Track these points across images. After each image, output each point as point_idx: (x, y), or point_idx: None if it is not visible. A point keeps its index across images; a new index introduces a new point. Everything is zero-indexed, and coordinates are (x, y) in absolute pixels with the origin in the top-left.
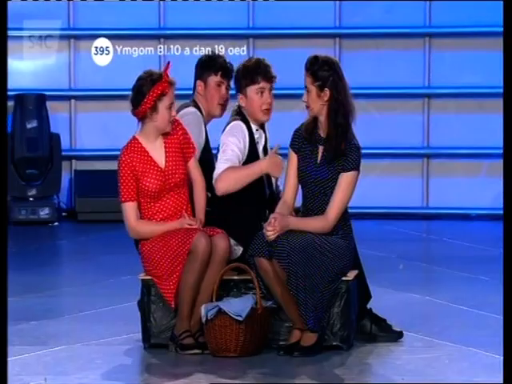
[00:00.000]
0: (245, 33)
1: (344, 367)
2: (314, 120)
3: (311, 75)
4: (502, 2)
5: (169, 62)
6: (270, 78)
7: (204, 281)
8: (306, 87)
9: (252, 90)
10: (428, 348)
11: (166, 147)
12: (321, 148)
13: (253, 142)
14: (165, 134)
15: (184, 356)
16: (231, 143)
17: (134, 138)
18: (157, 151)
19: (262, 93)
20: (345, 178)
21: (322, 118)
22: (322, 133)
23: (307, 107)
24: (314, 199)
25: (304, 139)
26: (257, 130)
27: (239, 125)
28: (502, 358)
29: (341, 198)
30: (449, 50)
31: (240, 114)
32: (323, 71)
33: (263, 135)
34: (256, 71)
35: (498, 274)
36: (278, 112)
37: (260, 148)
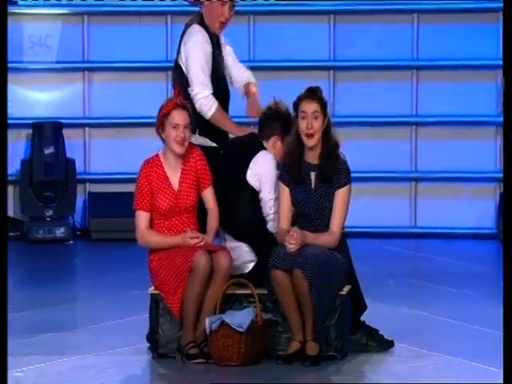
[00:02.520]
0: (246, 65)
1: (339, 375)
2: (299, 150)
3: (320, 103)
4: (482, 39)
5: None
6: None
7: (207, 295)
8: (312, 115)
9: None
10: (417, 358)
11: (182, 172)
12: (313, 174)
13: None
14: (183, 160)
15: (189, 365)
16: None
17: (157, 155)
18: (174, 173)
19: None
20: (341, 195)
21: (316, 145)
22: (312, 159)
23: (311, 136)
24: (312, 224)
25: (294, 171)
26: None
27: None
28: (485, 366)
29: (341, 213)
30: (434, 82)
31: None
32: (324, 100)
33: None
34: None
35: (482, 289)
36: None
37: None
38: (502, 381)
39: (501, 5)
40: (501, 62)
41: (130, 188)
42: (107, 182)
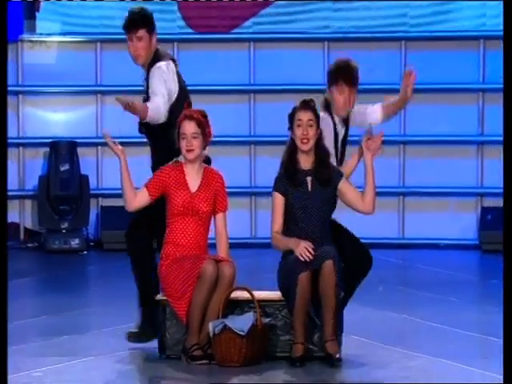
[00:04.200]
0: (247, 88)
1: (332, 374)
2: (294, 157)
3: (314, 113)
4: (464, 64)
5: (188, 102)
6: (349, 81)
7: (212, 301)
8: (307, 123)
9: (335, 89)
10: (404, 359)
11: (201, 183)
12: (309, 178)
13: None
14: (203, 176)
15: (194, 365)
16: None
17: (181, 163)
18: (193, 180)
19: (342, 93)
20: (345, 183)
21: (309, 152)
22: (305, 166)
23: (306, 141)
24: (313, 225)
25: (291, 175)
26: (340, 122)
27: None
28: (466, 367)
29: (358, 191)
30: (421, 104)
31: (327, 107)
32: (317, 112)
33: (343, 128)
34: (337, 72)
35: (465, 296)
36: (271, 158)
37: (339, 138)
38: (501, 381)
39: (481, 33)
40: (482, 86)
41: None
42: (118, 197)
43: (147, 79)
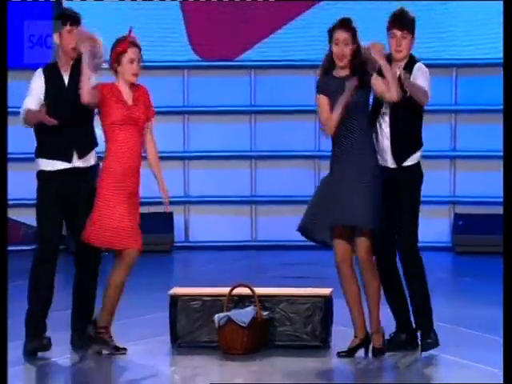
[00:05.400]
0: (248, 109)
1: (322, 363)
2: (327, 72)
3: (350, 32)
4: (440, 88)
5: (131, 28)
6: (398, 26)
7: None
8: (343, 42)
9: (389, 35)
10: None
11: (134, 96)
12: (346, 82)
13: None
14: (133, 90)
15: (202, 352)
16: None
17: (114, 84)
18: (127, 95)
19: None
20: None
21: (345, 67)
22: (340, 75)
23: (342, 58)
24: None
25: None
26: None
27: None
28: (446, 356)
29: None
30: None
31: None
32: (354, 30)
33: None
34: (390, 19)
35: (440, 291)
36: (269, 170)
37: None
38: (501, 380)
39: (454, 61)
40: (454, 107)
41: (150, 209)
42: None
43: (76, 73)
